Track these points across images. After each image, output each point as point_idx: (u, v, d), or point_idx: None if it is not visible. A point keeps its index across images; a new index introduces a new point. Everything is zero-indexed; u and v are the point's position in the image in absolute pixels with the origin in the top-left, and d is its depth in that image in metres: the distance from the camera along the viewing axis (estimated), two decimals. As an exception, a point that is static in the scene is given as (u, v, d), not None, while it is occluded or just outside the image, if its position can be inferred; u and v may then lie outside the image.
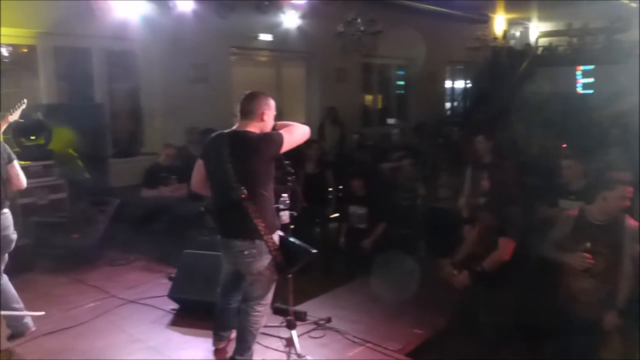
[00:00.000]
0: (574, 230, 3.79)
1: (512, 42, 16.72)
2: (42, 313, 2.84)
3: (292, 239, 3.54)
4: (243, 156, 3.32)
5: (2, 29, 6.47)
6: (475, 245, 4.20)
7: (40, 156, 6.25)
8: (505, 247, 3.84)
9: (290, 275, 3.61)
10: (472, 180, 5.74)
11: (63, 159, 6.49)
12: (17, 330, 3.97)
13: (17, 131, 6.23)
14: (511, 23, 16.54)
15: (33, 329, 4.03)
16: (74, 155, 6.56)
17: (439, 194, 6.56)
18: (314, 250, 3.56)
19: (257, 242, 3.35)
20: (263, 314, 3.58)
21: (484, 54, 13.48)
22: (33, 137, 6.30)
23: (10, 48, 7.05)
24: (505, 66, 14.24)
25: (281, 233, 3.55)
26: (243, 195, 3.26)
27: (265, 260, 3.41)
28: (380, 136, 10.52)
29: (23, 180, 4.00)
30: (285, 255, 3.46)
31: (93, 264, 5.81)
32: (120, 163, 7.64)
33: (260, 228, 3.30)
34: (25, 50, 7.22)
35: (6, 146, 3.90)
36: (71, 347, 4.02)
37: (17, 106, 4.36)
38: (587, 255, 3.57)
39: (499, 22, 15.72)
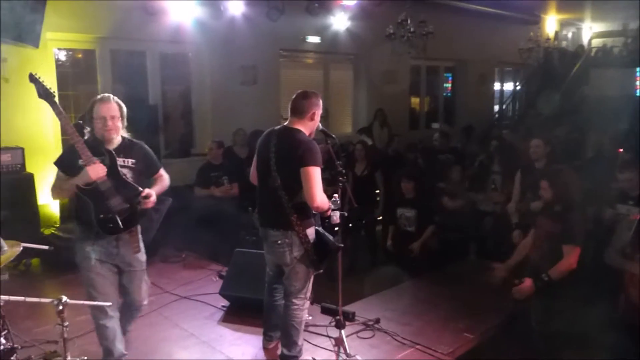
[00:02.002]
0: (636, 236, 3.66)
1: (564, 43, 16.29)
2: (109, 304, 2.95)
3: (325, 234, 3.56)
4: (285, 151, 3.43)
5: (64, 34, 6.77)
6: (530, 252, 4.09)
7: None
8: (572, 255, 3.71)
9: (321, 271, 3.62)
10: (522, 184, 5.62)
11: (119, 158, 6.70)
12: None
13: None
14: (563, 24, 16.12)
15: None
16: (129, 155, 6.77)
17: (489, 198, 6.44)
18: (341, 245, 3.56)
19: (290, 233, 3.44)
20: (302, 307, 3.64)
21: (535, 56, 13.15)
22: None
23: (68, 52, 7.34)
24: (557, 68, 13.90)
25: (318, 228, 3.58)
26: (278, 183, 3.38)
27: (298, 252, 3.47)
28: (425, 139, 10.42)
29: None
30: (319, 250, 3.51)
31: (147, 260, 5.96)
32: (172, 163, 7.82)
33: (292, 219, 3.38)
34: (80, 55, 7.50)
35: None
36: (128, 340, 4.14)
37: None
38: None
39: (551, 23, 15.33)
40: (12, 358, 2.52)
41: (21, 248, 2.89)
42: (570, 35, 17.22)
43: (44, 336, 3.95)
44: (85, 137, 3.38)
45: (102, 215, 3.24)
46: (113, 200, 3.25)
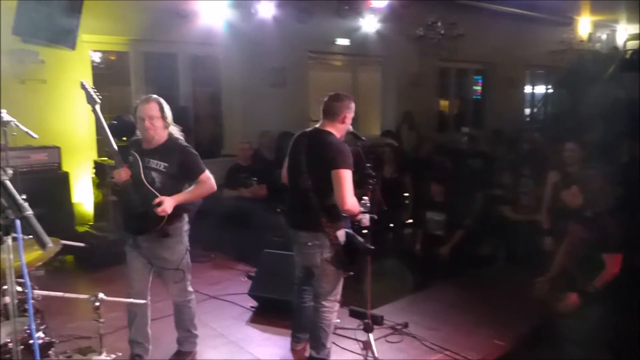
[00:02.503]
0: None
1: (597, 45, 15.96)
2: (144, 302, 3.01)
3: (355, 236, 3.55)
4: (316, 153, 3.45)
5: (99, 36, 6.92)
6: (565, 261, 4.02)
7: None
8: (614, 263, 3.63)
9: (351, 273, 3.62)
10: (554, 189, 5.53)
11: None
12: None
13: (111, 132, 6.61)
14: (597, 25, 15.78)
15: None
16: (160, 156, 6.88)
17: (520, 202, 6.35)
18: (371, 247, 3.55)
19: (320, 234, 3.45)
20: (332, 310, 3.65)
21: (567, 58, 12.91)
22: (125, 138, 6.65)
23: (102, 54, 7.49)
24: (590, 71, 13.61)
25: (348, 230, 3.58)
26: (308, 185, 3.40)
27: (328, 254, 3.48)
28: (453, 142, 10.33)
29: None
30: (349, 252, 3.51)
31: (176, 259, 6.05)
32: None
33: (322, 221, 3.39)
34: (113, 57, 7.65)
35: None
36: (158, 337, 4.21)
37: None
38: None
39: (584, 25, 15.03)
40: (49, 352, 2.59)
41: (61, 245, 2.96)
42: (604, 37, 16.85)
43: (77, 332, 4.05)
44: (134, 138, 3.60)
45: (125, 215, 3.43)
46: (132, 202, 3.37)
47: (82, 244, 3.37)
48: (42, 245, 1.41)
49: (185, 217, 3.69)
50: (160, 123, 3.37)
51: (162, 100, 3.50)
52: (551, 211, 5.58)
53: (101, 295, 2.58)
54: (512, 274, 5.39)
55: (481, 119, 12.99)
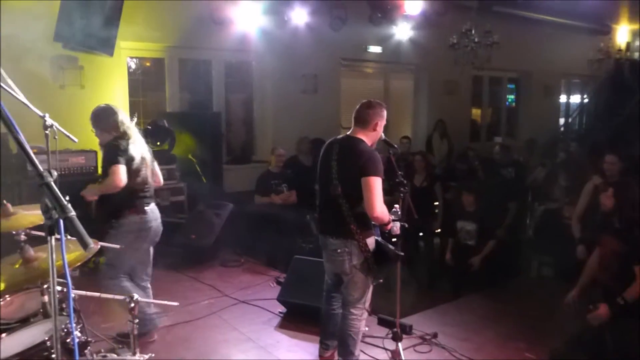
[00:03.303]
0: None
1: (636, 54, 15.56)
2: (176, 304, 3.05)
3: (386, 244, 3.54)
4: (347, 160, 3.45)
5: (136, 43, 7.09)
6: (599, 273, 3.93)
7: (164, 161, 6.69)
8: None
9: (381, 280, 3.60)
10: (592, 196, 5.42)
11: (184, 164, 6.94)
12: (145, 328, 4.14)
13: (145, 137, 6.74)
14: (636, 34, 15.40)
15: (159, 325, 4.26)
16: (193, 161, 7.00)
17: (555, 213, 6.23)
18: (401, 253, 3.53)
19: (350, 241, 3.43)
20: (360, 317, 3.63)
21: (605, 67, 12.63)
22: (158, 143, 6.79)
23: (138, 61, 7.66)
24: (629, 80, 13.28)
25: (378, 237, 3.57)
26: (338, 191, 3.39)
27: (357, 261, 3.46)
28: (486, 152, 10.20)
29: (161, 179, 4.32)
30: (378, 259, 3.49)
31: (207, 263, 6.15)
32: (234, 169, 8.03)
33: (352, 228, 3.38)
34: (148, 63, 7.81)
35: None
36: (189, 339, 4.28)
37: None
38: None
39: (622, 33, 14.70)
40: (85, 351, 2.65)
41: (99, 246, 3.03)
42: (643, 46, 16.44)
43: (111, 332, 4.12)
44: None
45: None
46: None
47: (117, 246, 3.43)
48: (85, 245, 1.45)
49: (134, 217, 3.91)
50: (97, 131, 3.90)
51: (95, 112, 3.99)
52: (582, 219, 5.47)
53: (136, 296, 2.63)
54: (545, 285, 5.28)
55: (515, 127, 12.81)
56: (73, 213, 1.48)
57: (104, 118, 3.94)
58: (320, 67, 8.72)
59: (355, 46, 9.18)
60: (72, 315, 1.61)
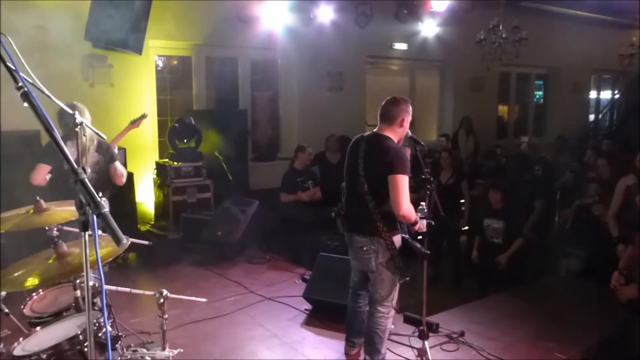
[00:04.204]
0: None
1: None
2: (205, 300, 3.08)
3: (412, 241, 3.51)
4: (374, 158, 3.44)
5: (164, 41, 7.17)
6: (636, 269, 3.85)
7: (191, 158, 6.80)
8: None
9: (407, 278, 3.57)
10: (626, 194, 5.31)
11: (210, 161, 7.00)
12: None
13: (172, 134, 6.84)
14: (669, 28, 15.01)
15: None
16: (219, 158, 7.06)
17: (588, 211, 6.12)
18: (427, 252, 3.50)
19: (377, 239, 3.42)
20: (387, 315, 3.61)
21: (636, 62, 12.34)
22: (185, 140, 6.87)
23: (165, 59, 7.75)
24: (662, 75, 12.95)
25: (405, 235, 3.55)
26: (365, 189, 3.38)
27: (384, 259, 3.44)
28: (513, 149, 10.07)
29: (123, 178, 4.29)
30: (405, 257, 3.47)
31: (233, 260, 6.19)
32: (259, 167, 8.08)
33: (379, 225, 3.37)
34: (176, 62, 7.90)
35: (110, 147, 4.26)
36: (216, 335, 4.32)
37: (139, 118, 5.18)
38: None
39: (656, 27, 14.33)
40: (116, 345, 2.70)
41: (130, 242, 3.08)
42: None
43: (140, 327, 4.19)
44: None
45: None
46: None
47: (147, 242, 3.48)
48: (118, 241, 1.48)
49: None
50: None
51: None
52: (618, 217, 5.36)
53: (165, 292, 2.67)
54: (574, 284, 5.20)
55: (543, 125, 12.61)
56: (107, 209, 1.51)
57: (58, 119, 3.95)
58: (346, 64, 8.70)
59: (381, 43, 9.15)
60: (105, 309, 1.63)
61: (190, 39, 7.34)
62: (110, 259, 2.39)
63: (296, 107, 8.52)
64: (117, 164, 4.20)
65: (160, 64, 7.71)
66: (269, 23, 7.59)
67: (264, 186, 7.59)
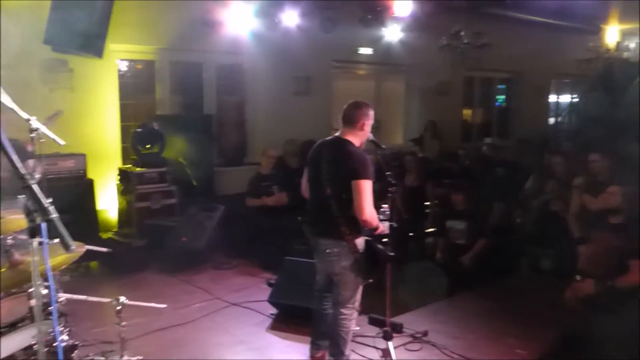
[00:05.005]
0: None
1: (625, 54, 15.66)
2: (164, 306, 3.04)
3: (376, 244, 3.55)
4: (336, 162, 3.48)
5: (126, 45, 7.08)
6: (592, 268, 3.97)
7: (155, 164, 6.71)
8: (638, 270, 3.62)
9: (371, 281, 3.61)
10: (579, 195, 5.46)
11: (175, 166, 6.93)
12: None
13: (135, 140, 6.75)
14: (625, 34, 15.50)
15: None
16: (183, 164, 6.99)
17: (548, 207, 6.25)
18: (392, 254, 3.54)
19: (340, 242, 3.46)
20: (350, 317, 3.65)
21: (594, 67, 12.72)
22: (149, 146, 6.78)
23: (129, 63, 7.65)
24: (619, 79, 13.36)
25: (368, 238, 3.58)
26: (328, 193, 3.41)
27: (347, 261, 3.48)
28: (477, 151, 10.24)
29: None
30: (368, 260, 3.51)
31: (200, 266, 6.13)
32: (226, 172, 8.03)
33: (342, 229, 3.41)
34: (140, 66, 7.80)
35: None
36: (183, 343, 4.28)
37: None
38: None
39: (612, 33, 14.79)
40: (72, 355, 2.64)
41: (85, 249, 3.02)
42: (632, 45, 16.54)
43: (102, 336, 4.11)
44: None
45: None
46: None
47: (105, 249, 3.42)
48: (66, 247, 1.45)
49: None
50: None
51: None
52: (579, 218, 5.50)
53: (123, 299, 2.63)
54: (537, 282, 5.32)
55: (506, 128, 12.87)
56: (55, 215, 1.48)
57: None
58: (312, 69, 8.73)
59: (347, 48, 9.20)
60: (56, 318, 1.60)
61: (153, 43, 7.26)
62: (64, 267, 2.34)
63: (263, 111, 8.51)
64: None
65: (124, 68, 7.60)
66: (235, 27, 7.55)
67: (231, 191, 7.55)
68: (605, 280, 3.69)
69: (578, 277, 3.83)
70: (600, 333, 3.67)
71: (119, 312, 2.59)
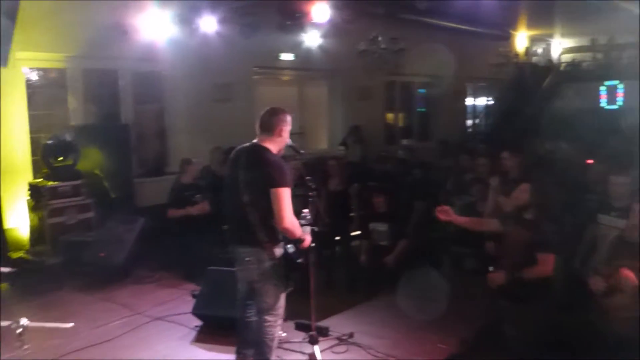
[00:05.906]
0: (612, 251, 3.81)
1: (534, 58, 16.61)
2: (71, 324, 2.89)
3: (289, 250, 3.54)
4: (254, 170, 3.46)
5: (33, 53, 6.71)
6: (503, 261, 4.17)
7: (68, 176, 6.40)
8: (547, 262, 3.83)
9: (291, 288, 3.63)
10: (494, 194, 5.69)
11: (90, 179, 6.64)
12: None
13: (46, 152, 6.41)
14: (533, 40, 16.45)
15: None
16: (100, 176, 6.71)
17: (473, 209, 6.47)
18: (299, 260, 3.55)
19: (258, 250, 3.45)
20: (275, 324, 3.62)
21: (507, 71, 13.41)
22: (61, 158, 6.46)
23: (40, 72, 7.26)
24: (529, 82, 14.13)
25: (289, 245, 3.57)
26: (246, 201, 3.39)
27: (266, 269, 3.47)
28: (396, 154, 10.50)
29: None
30: (285, 266, 3.52)
31: (120, 281, 5.89)
32: (146, 182, 7.78)
33: (261, 236, 3.39)
34: (53, 74, 7.43)
35: None
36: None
37: None
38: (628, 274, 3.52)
39: (521, 39, 15.65)
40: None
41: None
42: (540, 50, 17.58)
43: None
44: None
45: None
46: None
47: (9, 269, 3.20)
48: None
49: None
50: None
51: None
52: (493, 216, 5.71)
53: (24, 321, 2.46)
54: (458, 279, 5.51)
55: (427, 130, 13.29)
56: None
57: None
58: (234, 75, 8.64)
59: (268, 54, 9.17)
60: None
61: (63, 50, 6.92)
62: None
63: (184, 119, 8.32)
64: None
65: (34, 77, 7.20)
66: (151, 34, 7.34)
67: (153, 202, 7.30)
68: (514, 271, 3.87)
69: (491, 269, 4.01)
70: (510, 321, 3.87)
71: (20, 335, 2.42)
